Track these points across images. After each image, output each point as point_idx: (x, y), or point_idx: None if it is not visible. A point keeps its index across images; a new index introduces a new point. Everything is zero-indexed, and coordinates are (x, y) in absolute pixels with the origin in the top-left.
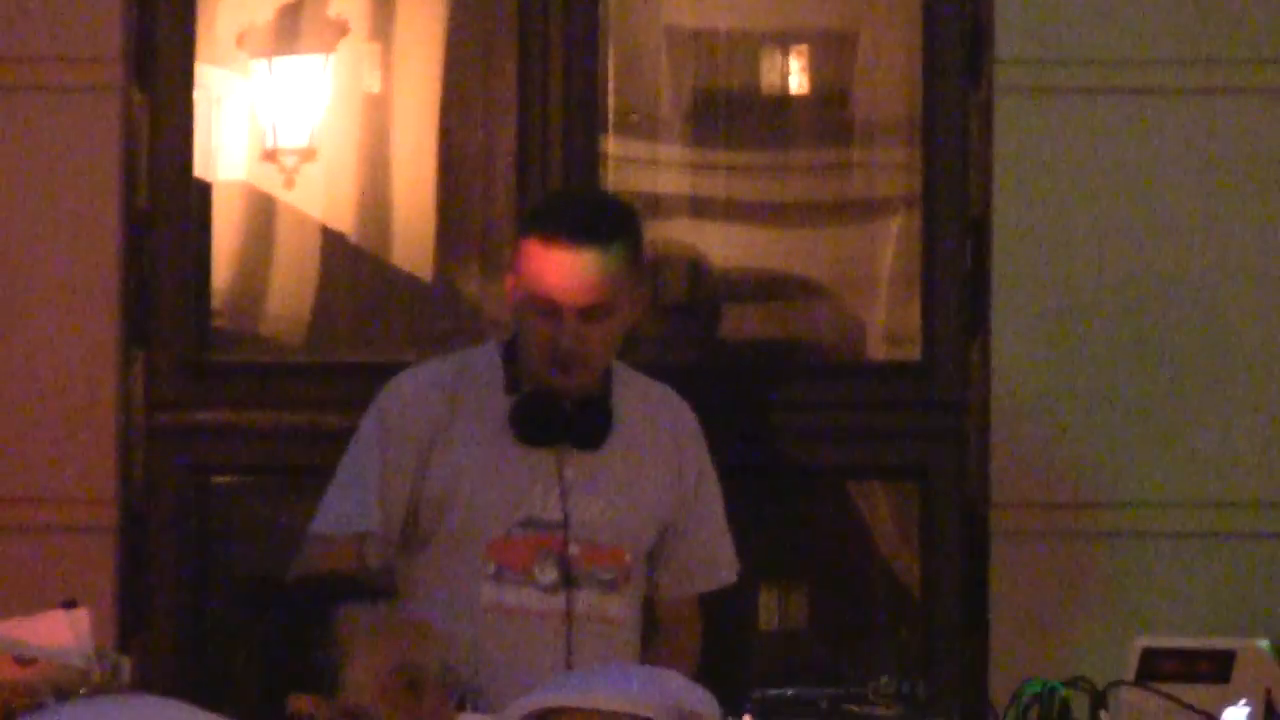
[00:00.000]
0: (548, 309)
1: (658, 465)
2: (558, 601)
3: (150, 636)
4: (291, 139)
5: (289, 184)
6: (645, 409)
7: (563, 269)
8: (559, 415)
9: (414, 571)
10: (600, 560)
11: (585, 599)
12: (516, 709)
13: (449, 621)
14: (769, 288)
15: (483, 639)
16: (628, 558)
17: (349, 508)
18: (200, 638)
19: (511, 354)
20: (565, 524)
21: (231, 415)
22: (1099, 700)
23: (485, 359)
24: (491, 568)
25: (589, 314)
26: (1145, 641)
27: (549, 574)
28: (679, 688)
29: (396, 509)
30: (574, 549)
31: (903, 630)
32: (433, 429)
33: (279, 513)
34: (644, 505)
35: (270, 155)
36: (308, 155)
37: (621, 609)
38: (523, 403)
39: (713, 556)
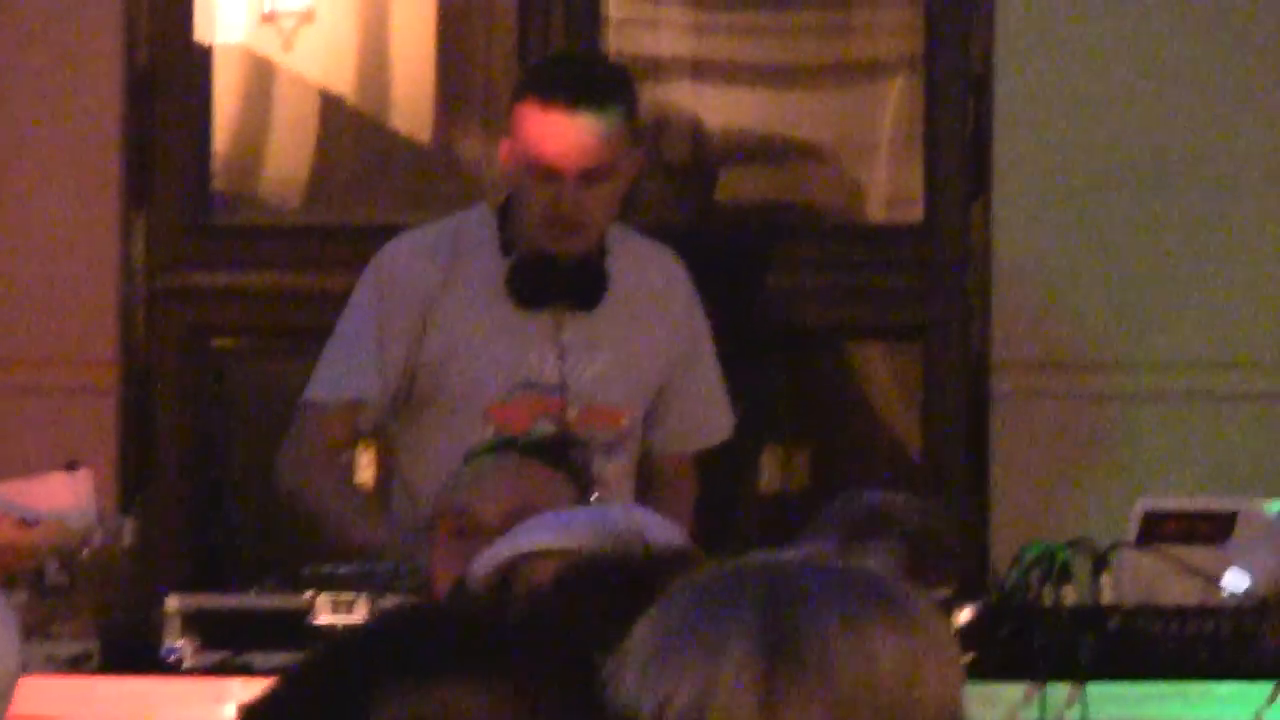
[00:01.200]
0: (547, 173)
1: (653, 325)
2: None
3: (152, 497)
4: (290, 1)
5: (287, 46)
6: (641, 270)
7: (562, 133)
8: (555, 277)
9: (412, 433)
10: (598, 422)
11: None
12: (486, 560)
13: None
14: (770, 150)
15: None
16: (624, 420)
17: (344, 374)
18: (202, 498)
19: (505, 217)
20: (563, 387)
21: (232, 277)
22: (1100, 562)
23: (478, 222)
24: (490, 430)
25: (588, 177)
26: (1147, 503)
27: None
28: (647, 522)
29: (393, 373)
30: (571, 412)
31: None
32: (428, 293)
33: (279, 374)
34: (641, 365)
35: (269, 18)
36: (306, 18)
37: (617, 470)
38: (519, 265)
39: (706, 414)
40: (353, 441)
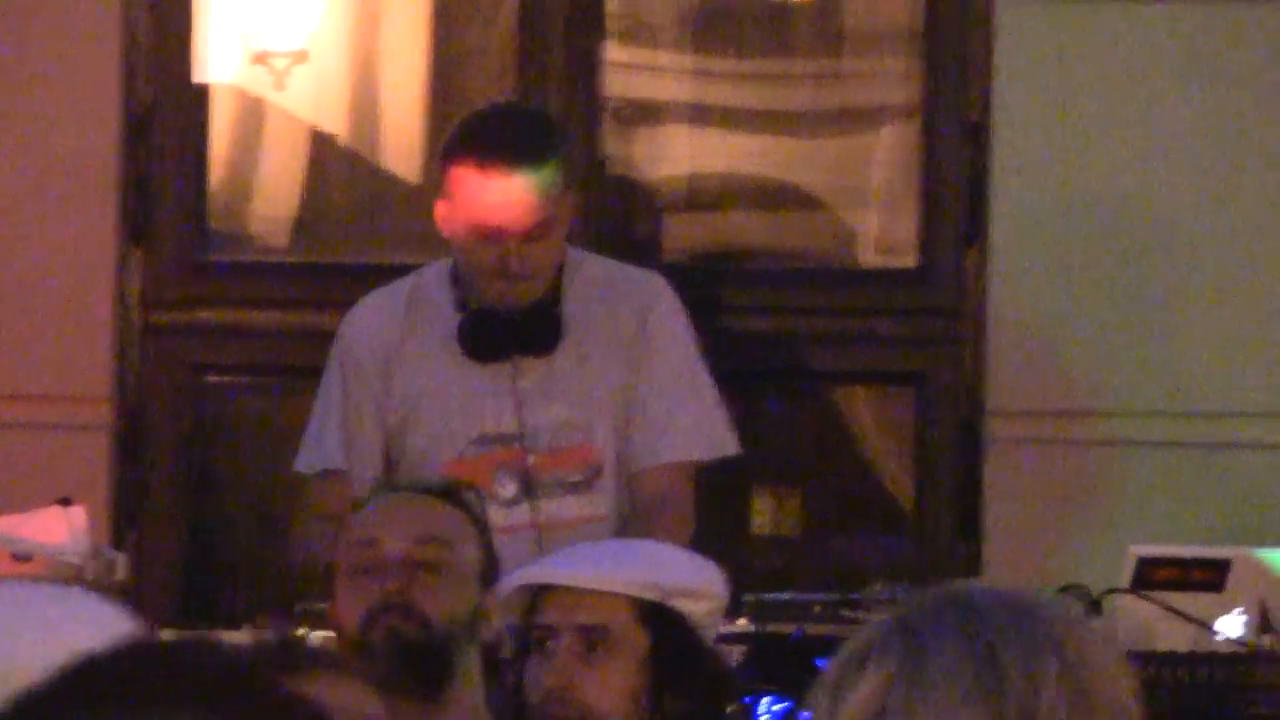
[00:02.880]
0: (490, 234)
1: (616, 353)
2: (521, 513)
3: (145, 533)
4: (283, 42)
5: (279, 86)
6: (603, 298)
7: (504, 195)
8: (507, 328)
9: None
10: (565, 464)
11: (548, 507)
12: (505, 584)
13: None
14: (767, 194)
15: (488, 534)
16: (594, 453)
17: (316, 447)
18: (195, 534)
19: (458, 273)
20: (520, 435)
21: (227, 314)
22: (1094, 608)
23: (435, 278)
24: None
25: (532, 234)
26: (1141, 549)
27: (509, 488)
28: (664, 563)
29: (373, 438)
30: (532, 459)
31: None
32: (386, 356)
33: (273, 411)
34: (604, 399)
35: (261, 58)
36: (300, 58)
37: (599, 506)
38: (469, 321)
39: (676, 423)
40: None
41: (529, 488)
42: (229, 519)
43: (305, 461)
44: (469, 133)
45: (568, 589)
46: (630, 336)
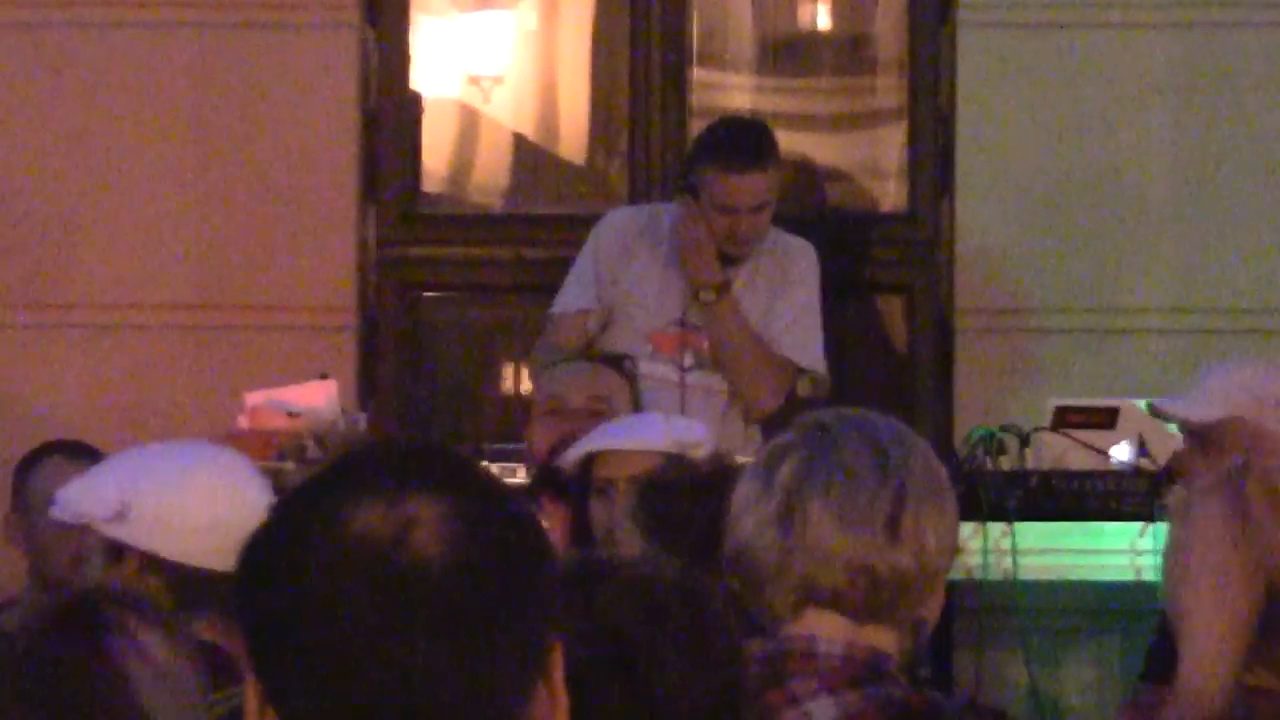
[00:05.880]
0: (727, 210)
1: (767, 286)
2: (692, 378)
3: (377, 402)
4: (488, 68)
5: (486, 100)
6: (770, 249)
7: (739, 188)
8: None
9: (601, 341)
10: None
11: (705, 378)
12: (574, 451)
13: None
14: (807, 169)
15: (637, 393)
16: None
17: (573, 295)
18: (411, 404)
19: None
20: (699, 327)
21: (432, 250)
22: (1025, 441)
23: (666, 215)
24: (649, 349)
25: (755, 211)
26: (1058, 401)
27: (688, 359)
28: (682, 427)
29: (606, 294)
30: (704, 343)
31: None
32: (624, 252)
33: (468, 320)
34: (752, 313)
35: (474, 80)
36: (498, 81)
37: (725, 383)
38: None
39: (794, 336)
40: (584, 341)
41: (699, 361)
42: (433, 394)
43: (561, 304)
44: (714, 142)
45: (617, 450)
46: (779, 276)
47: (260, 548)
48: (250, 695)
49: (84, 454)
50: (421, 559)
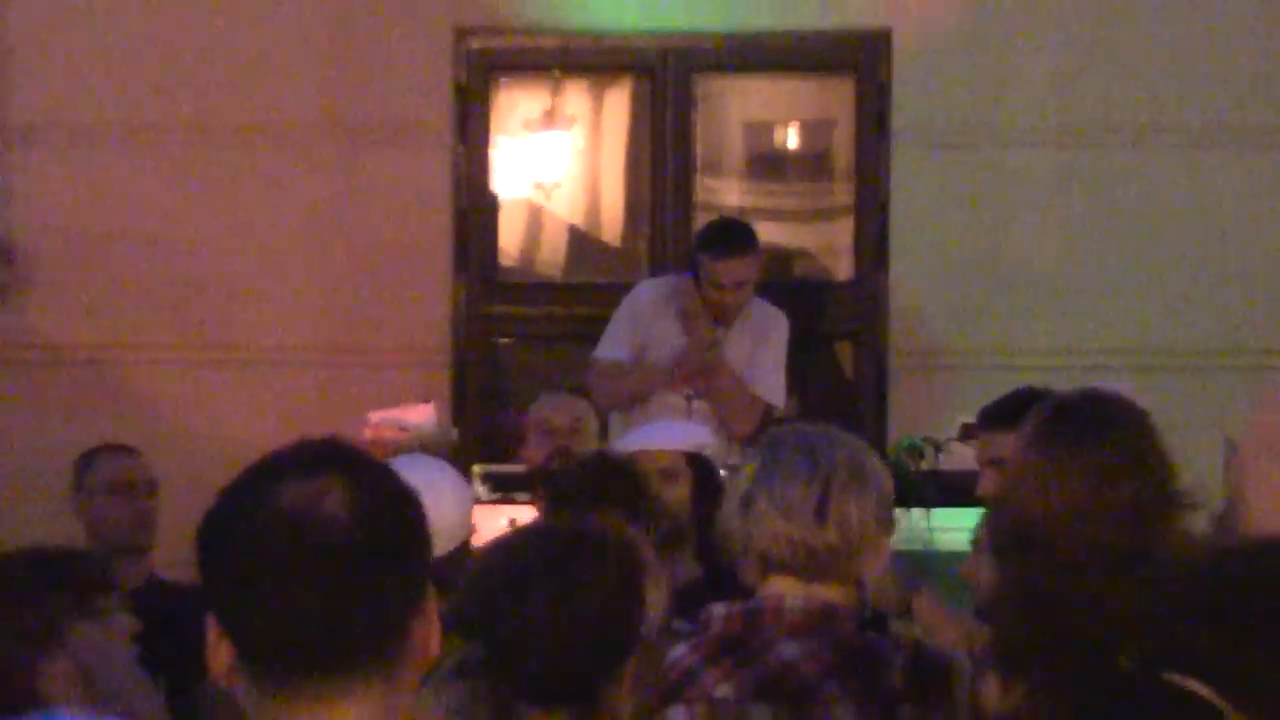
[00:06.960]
0: (718, 287)
1: (749, 340)
2: (693, 403)
3: (465, 422)
4: (549, 176)
5: (547, 198)
6: (751, 311)
7: (727, 271)
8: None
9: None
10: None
11: (701, 404)
12: (622, 448)
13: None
14: (781, 255)
15: (653, 415)
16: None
17: (610, 346)
18: (491, 423)
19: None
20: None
21: (507, 309)
22: (938, 448)
23: (680, 284)
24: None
25: (740, 287)
26: (963, 419)
27: (684, 390)
28: (697, 432)
29: (636, 345)
30: (703, 382)
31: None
32: (651, 314)
33: (533, 362)
34: (738, 359)
35: (539, 185)
36: (557, 185)
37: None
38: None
39: (765, 379)
40: (618, 379)
41: (696, 390)
42: (505, 417)
43: (601, 351)
44: (710, 235)
45: (649, 449)
46: (758, 333)
47: (213, 519)
48: (211, 629)
49: (125, 451)
50: (331, 519)
